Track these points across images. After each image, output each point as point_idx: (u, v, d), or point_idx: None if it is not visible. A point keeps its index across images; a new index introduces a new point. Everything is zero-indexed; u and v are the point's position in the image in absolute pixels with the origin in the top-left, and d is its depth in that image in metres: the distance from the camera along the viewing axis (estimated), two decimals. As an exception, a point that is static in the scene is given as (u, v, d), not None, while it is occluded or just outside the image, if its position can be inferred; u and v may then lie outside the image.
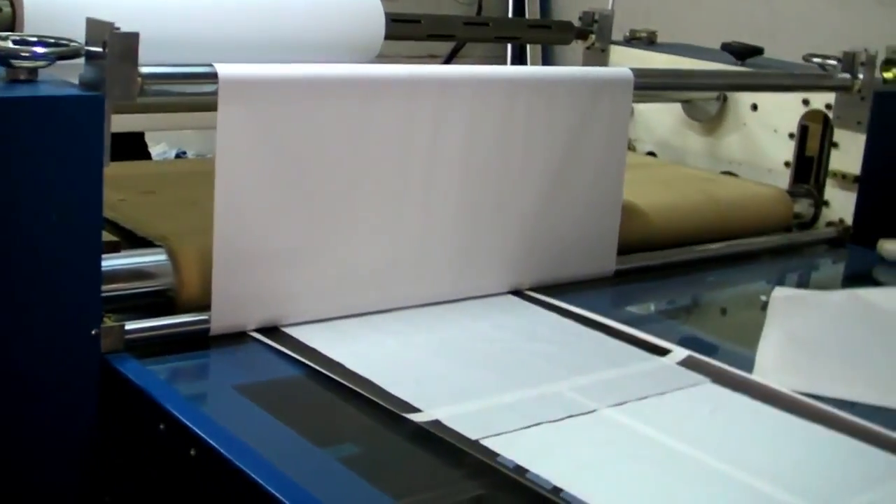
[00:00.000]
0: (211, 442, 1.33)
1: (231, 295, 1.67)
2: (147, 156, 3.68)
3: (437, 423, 1.48)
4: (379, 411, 1.49)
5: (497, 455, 1.40)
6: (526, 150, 1.98)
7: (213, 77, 1.61)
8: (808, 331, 2.02)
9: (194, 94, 1.65)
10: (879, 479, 1.46)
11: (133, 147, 3.45)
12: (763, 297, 2.17)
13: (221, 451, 1.31)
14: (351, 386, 1.56)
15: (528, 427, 1.50)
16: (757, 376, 1.74)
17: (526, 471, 1.36)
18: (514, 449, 1.41)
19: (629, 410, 1.59)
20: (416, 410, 1.51)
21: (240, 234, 1.67)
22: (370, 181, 1.80)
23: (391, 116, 1.80)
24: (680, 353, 1.82)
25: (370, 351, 1.70)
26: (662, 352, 1.83)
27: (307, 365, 1.61)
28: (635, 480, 1.40)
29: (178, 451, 1.38)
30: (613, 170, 2.15)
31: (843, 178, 2.68)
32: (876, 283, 2.46)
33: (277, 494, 1.21)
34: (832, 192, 2.72)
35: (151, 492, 1.52)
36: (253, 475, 1.25)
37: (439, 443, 1.41)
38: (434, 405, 1.53)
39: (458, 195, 1.91)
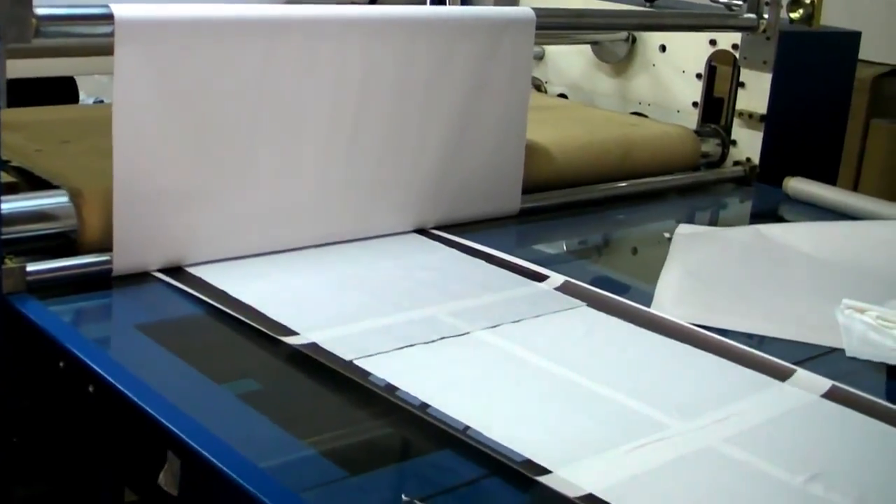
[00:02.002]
0: (107, 378, 1.34)
1: (132, 235, 1.68)
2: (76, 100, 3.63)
3: (313, 345, 1.52)
4: (278, 347, 1.52)
5: (369, 374, 1.44)
6: (427, 91, 2.00)
7: (108, 18, 1.60)
8: (708, 265, 2.05)
9: (91, 35, 1.65)
10: (741, 395, 1.51)
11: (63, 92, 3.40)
12: (667, 234, 2.21)
13: (117, 386, 1.32)
14: (234, 314, 1.59)
15: (402, 348, 1.54)
16: (655, 309, 1.78)
17: (396, 389, 1.40)
18: (386, 369, 1.46)
19: (502, 332, 1.63)
20: (294, 334, 1.55)
21: (140, 175, 1.67)
22: (270, 121, 1.81)
23: (291, 57, 1.81)
24: (557, 278, 1.87)
25: (265, 286, 1.72)
26: (541, 278, 1.87)
27: (208, 303, 1.63)
28: (502, 397, 1.45)
29: (77, 388, 1.40)
30: (517, 109, 2.17)
31: (749, 118, 2.72)
32: (782, 220, 2.51)
33: (170, 426, 1.23)
34: (739, 131, 2.76)
35: (57, 431, 1.53)
36: (146, 408, 1.27)
37: (345, 382, 1.43)
38: (313, 329, 1.56)
39: (358, 135, 1.92)
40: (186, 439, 1.20)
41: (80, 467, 1.49)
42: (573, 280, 1.86)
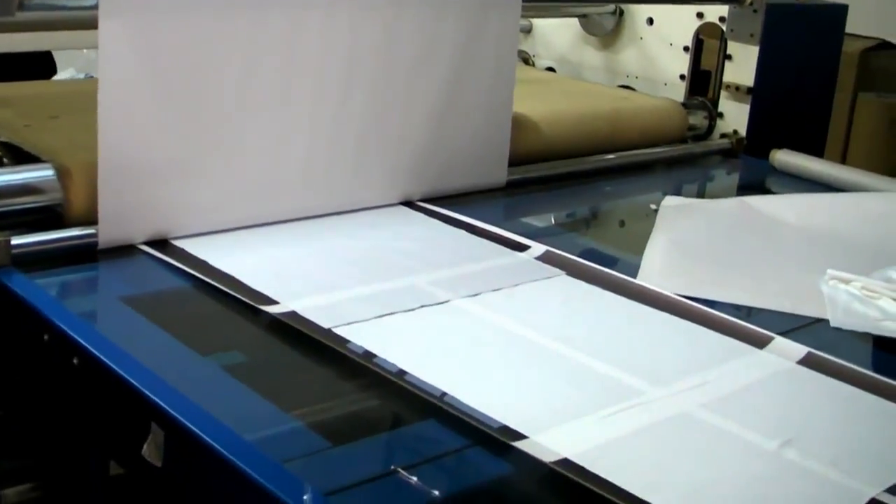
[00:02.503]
0: (91, 350, 1.34)
1: (118, 208, 1.68)
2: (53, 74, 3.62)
3: (292, 313, 1.52)
4: (263, 320, 1.52)
5: (347, 342, 1.45)
6: (414, 64, 2.00)
7: (92, -9, 1.61)
8: (695, 236, 2.06)
9: (75, 8, 1.64)
10: (718, 362, 1.52)
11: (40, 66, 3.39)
12: (653, 206, 2.21)
13: (101, 358, 1.32)
14: (215, 283, 1.60)
15: (381, 316, 1.55)
16: (641, 280, 1.78)
17: (374, 356, 1.41)
18: (364, 336, 1.47)
19: (482, 301, 1.65)
20: (274, 303, 1.55)
21: (125, 148, 1.67)
22: (257, 93, 1.81)
23: (277, 28, 1.81)
24: (538, 248, 1.88)
25: (249, 257, 1.72)
26: (522, 248, 1.88)
27: (193, 275, 1.63)
28: (480, 364, 1.46)
29: (62, 361, 1.39)
30: (503, 81, 2.17)
31: (736, 90, 2.73)
32: (769, 192, 2.52)
33: (153, 397, 1.23)
34: (726, 103, 2.77)
35: (42, 405, 1.53)
36: (130, 379, 1.27)
37: (331, 354, 1.43)
38: (293, 298, 1.57)
39: (345, 107, 1.92)
40: (169, 410, 1.20)
41: (66, 441, 1.49)
42: (554, 249, 1.86)
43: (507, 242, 1.90)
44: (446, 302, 1.63)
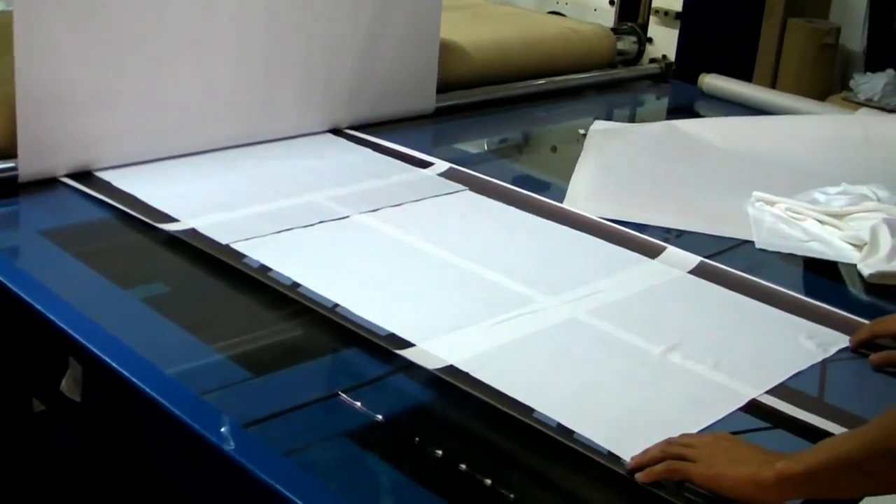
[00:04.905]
0: (8, 284, 1.33)
1: (38, 140, 1.65)
2: None
3: (192, 231, 1.53)
4: (187, 251, 1.50)
5: (244, 256, 1.46)
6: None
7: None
8: (622, 161, 2.06)
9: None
10: (610, 272, 1.55)
11: None
12: (582, 131, 2.21)
13: (18, 292, 1.31)
14: (116, 204, 1.60)
15: (280, 232, 1.56)
16: (568, 205, 1.78)
17: (269, 270, 1.43)
18: (262, 251, 1.48)
19: (382, 216, 1.67)
20: (174, 220, 1.56)
21: (44, 76, 1.64)
22: (179, 21, 1.78)
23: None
24: (442, 165, 1.90)
25: (165, 183, 1.72)
26: (426, 165, 1.90)
27: (116, 207, 1.61)
28: (375, 276, 1.47)
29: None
30: (430, 7, 2.15)
31: (665, 15, 2.73)
32: (697, 116, 2.52)
33: (69, 330, 1.22)
34: (656, 29, 2.77)
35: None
36: (45, 312, 1.26)
37: (255, 284, 1.42)
38: (194, 216, 1.57)
39: (268, 36, 1.90)
40: (85, 344, 1.19)
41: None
42: (457, 166, 1.89)
43: (412, 160, 1.92)
44: (346, 217, 1.64)
